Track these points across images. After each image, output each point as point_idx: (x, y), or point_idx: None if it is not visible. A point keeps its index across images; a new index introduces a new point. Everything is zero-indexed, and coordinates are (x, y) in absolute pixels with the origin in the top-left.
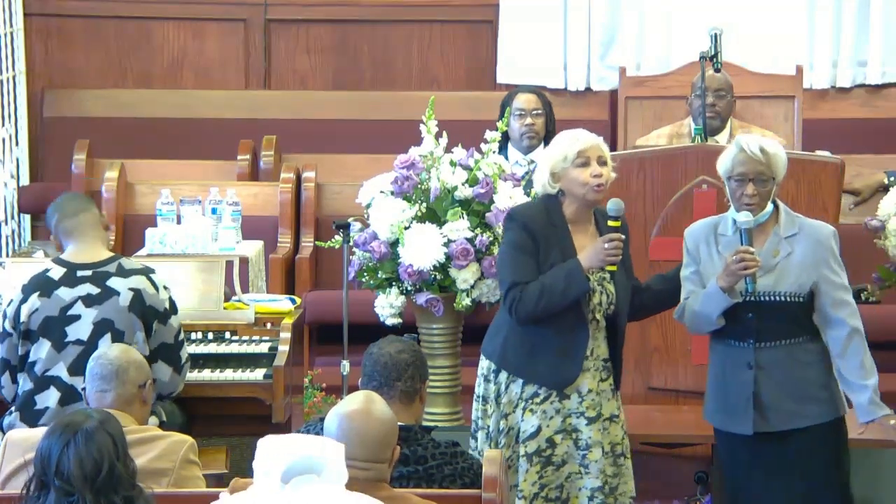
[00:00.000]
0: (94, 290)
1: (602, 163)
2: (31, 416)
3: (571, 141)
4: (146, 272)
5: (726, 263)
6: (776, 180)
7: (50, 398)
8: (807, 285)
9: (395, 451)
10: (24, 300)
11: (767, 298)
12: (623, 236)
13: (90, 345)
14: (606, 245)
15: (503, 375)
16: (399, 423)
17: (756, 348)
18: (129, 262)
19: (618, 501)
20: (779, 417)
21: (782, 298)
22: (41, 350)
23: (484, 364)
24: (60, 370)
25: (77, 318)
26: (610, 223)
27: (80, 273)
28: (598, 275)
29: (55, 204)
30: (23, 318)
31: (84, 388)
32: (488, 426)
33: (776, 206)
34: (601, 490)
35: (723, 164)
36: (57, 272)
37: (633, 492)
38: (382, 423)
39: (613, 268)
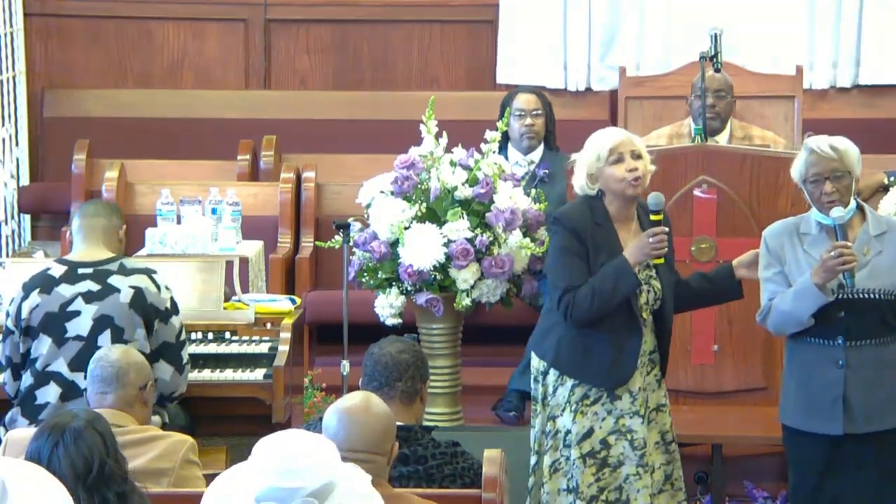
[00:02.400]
0: (95, 287)
1: (636, 156)
2: (32, 411)
3: (602, 139)
4: (148, 272)
5: (822, 259)
6: (853, 175)
7: (50, 393)
8: None
9: (394, 447)
10: (24, 297)
11: (860, 296)
12: (667, 229)
13: (90, 341)
14: (651, 239)
15: (551, 377)
16: (399, 423)
17: (846, 347)
18: (131, 262)
19: (674, 487)
20: (867, 419)
21: (876, 296)
22: (42, 346)
23: (535, 364)
24: (61, 366)
25: (77, 314)
26: (652, 217)
27: (80, 271)
28: (644, 273)
29: (82, 204)
30: (24, 314)
31: (86, 387)
32: (535, 427)
33: (859, 205)
34: (661, 483)
35: (796, 169)
36: (58, 270)
37: (682, 477)
38: (380, 416)
39: (660, 260)
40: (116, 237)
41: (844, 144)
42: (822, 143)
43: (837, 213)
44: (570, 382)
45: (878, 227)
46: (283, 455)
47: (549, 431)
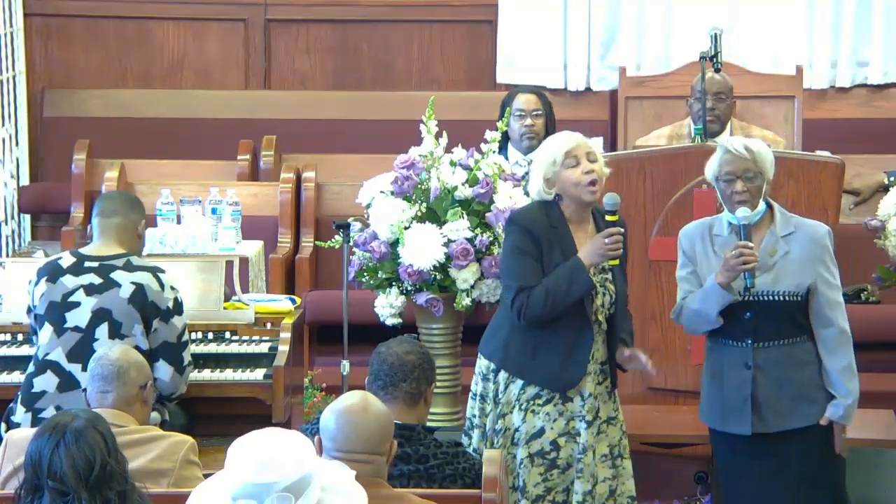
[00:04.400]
0: (97, 280)
1: (592, 159)
2: (29, 399)
3: (557, 144)
4: (154, 270)
5: (725, 259)
6: (765, 177)
7: (48, 382)
8: (805, 284)
9: (393, 446)
10: (36, 283)
11: (766, 298)
12: (622, 230)
13: (88, 332)
14: (606, 240)
15: (502, 375)
16: (401, 422)
17: (754, 348)
18: (139, 260)
19: (617, 502)
20: (776, 418)
21: (781, 298)
22: (44, 334)
23: (483, 363)
24: (59, 356)
25: (77, 305)
26: (607, 217)
27: (87, 264)
28: (600, 276)
29: (101, 197)
30: (35, 300)
31: (85, 388)
32: (485, 425)
33: (770, 206)
34: (590, 494)
35: (710, 168)
36: (67, 261)
37: (632, 491)
38: (378, 416)
39: (615, 262)
40: (135, 234)
41: (759, 146)
42: (737, 143)
43: (743, 213)
44: (521, 381)
45: (785, 227)
46: (256, 451)
47: (499, 429)
